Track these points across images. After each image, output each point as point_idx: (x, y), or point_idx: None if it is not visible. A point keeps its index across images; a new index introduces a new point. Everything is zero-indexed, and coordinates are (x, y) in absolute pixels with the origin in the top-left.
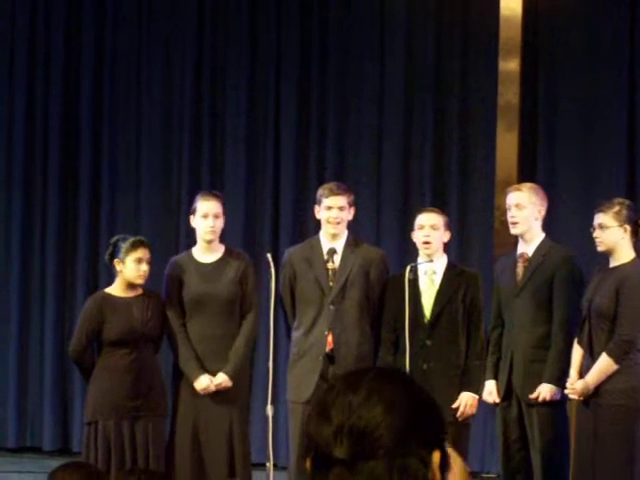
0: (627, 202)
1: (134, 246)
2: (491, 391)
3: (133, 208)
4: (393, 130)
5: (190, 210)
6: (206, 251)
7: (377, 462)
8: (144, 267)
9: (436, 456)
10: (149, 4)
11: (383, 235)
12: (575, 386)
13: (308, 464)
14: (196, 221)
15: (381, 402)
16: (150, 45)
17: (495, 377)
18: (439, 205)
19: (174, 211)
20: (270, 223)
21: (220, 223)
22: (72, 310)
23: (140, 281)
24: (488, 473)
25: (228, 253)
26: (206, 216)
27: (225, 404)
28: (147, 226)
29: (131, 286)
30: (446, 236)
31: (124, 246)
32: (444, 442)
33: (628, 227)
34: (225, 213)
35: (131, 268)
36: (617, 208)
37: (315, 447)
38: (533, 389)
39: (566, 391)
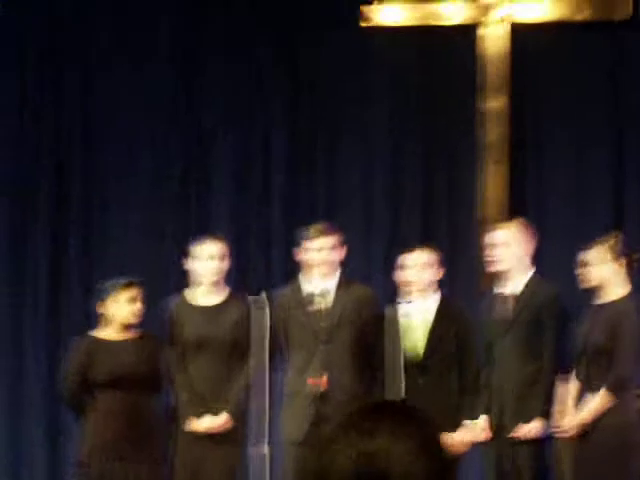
0: (620, 236)
1: (127, 286)
2: (482, 427)
3: (121, 251)
4: (381, 166)
5: (187, 252)
6: (210, 292)
7: None
8: (138, 305)
9: None
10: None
11: (373, 273)
12: (567, 423)
13: None
14: (196, 264)
15: (402, 447)
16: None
17: (485, 413)
18: (428, 241)
19: (162, 253)
20: (262, 264)
21: (226, 264)
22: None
23: (135, 320)
24: None
25: (231, 296)
26: (212, 257)
27: (224, 446)
28: (134, 269)
29: (125, 327)
30: (436, 274)
31: (111, 288)
32: (447, 474)
33: (622, 261)
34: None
35: (124, 309)
36: (612, 242)
37: None
38: (521, 427)
39: (555, 430)
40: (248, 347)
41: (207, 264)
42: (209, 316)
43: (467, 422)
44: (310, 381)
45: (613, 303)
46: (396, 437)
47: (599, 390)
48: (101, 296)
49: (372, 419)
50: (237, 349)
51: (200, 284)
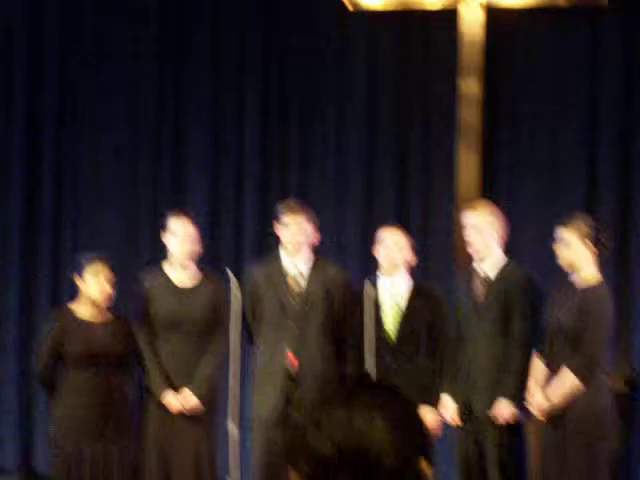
0: (590, 218)
1: (93, 261)
2: (448, 407)
3: (96, 222)
4: (356, 148)
5: (162, 226)
6: (182, 272)
7: None
8: (103, 282)
9: (423, 464)
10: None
11: (346, 251)
12: (542, 406)
13: (295, 476)
14: (170, 240)
15: (382, 422)
16: (112, 66)
17: (454, 396)
18: (401, 222)
19: (136, 228)
20: (232, 239)
21: (199, 246)
22: (35, 329)
23: (101, 299)
24: None
25: (204, 275)
26: (185, 239)
27: (193, 425)
28: (110, 240)
29: (96, 304)
30: (410, 257)
31: (84, 262)
32: (426, 448)
33: (590, 243)
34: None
35: (91, 284)
36: (580, 224)
37: (313, 464)
38: (491, 408)
39: (531, 408)
40: (219, 326)
41: (181, 244)
42: (182, 296)
43: (438, 402)
44: (289, 355)
45: (583, 287)
46: (375, 413)
47: (567, 373)
48: (76, 269)
49: (351, 394)
50: (209, 329)
51: (174, 260)
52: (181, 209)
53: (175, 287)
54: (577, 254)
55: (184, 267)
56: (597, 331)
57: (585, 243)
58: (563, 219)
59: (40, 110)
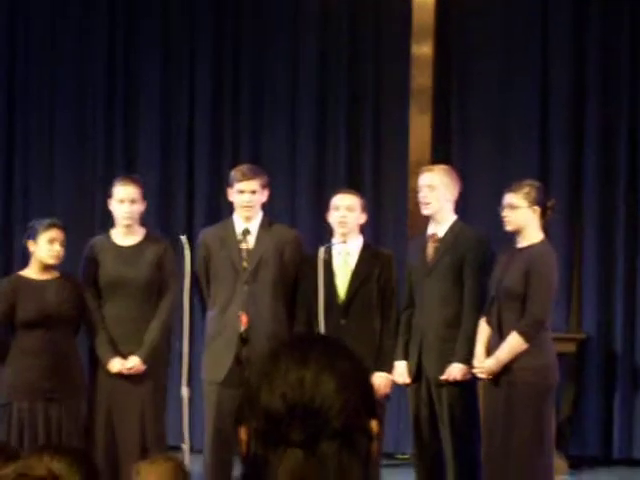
0: (537, 184)
1: (47, 227)
2: (401, 372)
3: (48, 191)
4: (307, 113)
5: (108, 193)
6: (125, 234)
7: (330, 442)
8: (57, 247)
9: (374, 424)
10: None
11: (298, 216)
12: (484, 364)
13: (244, 433)
14: (113, 205)
15: (333, 379)
16: (64, 38)
17: (406, 357)
18: (354, 187)
19: (89, 194)
20: (184, 205)
21: (138, 207)
22: None
23: (52, 261)
24: (403, 454)
25: (148, 237)
26: (122, 201)
27: (138, 386)
28: (62, 209)
29: (45, 268)
30: (362, 218)
31: (38, 228)
32: (376, 409)
33: (537, 208)
34: (145, 197)
35: (44, 248)
36: (527, 189)
37: (263, 420)
38: (443, 369)
39: (474, 370)
40: (165, 289)
41: (120, 207)
42: (124, 257)
43: (388, 364)
44: (241, 316)
45: (526, 249)
46: (326, 370)
47: (513, 334)
48: (28, 234)
49: (302, 349)
50: (152, 290)
51: (118, 224)
52: (126, 175)
53: (117, 247)
54: (524, 219)
55: (127, 229)
56: (541, 289)
57: (532, 208)
58: (510, 185)
59: None
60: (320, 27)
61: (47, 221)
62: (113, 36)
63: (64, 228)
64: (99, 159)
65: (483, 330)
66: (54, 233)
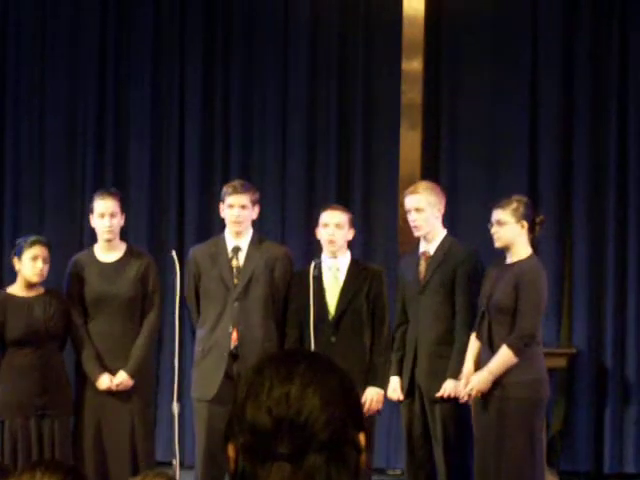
0: (525, 199)
1: (30, 245)
2: (395, 388)
3: (37, 209)
4: (297, 128)
5: (89, 209)
6: (107, 250)
7: (317, 455)
8: (39, 265)
9: (362, 438)
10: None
11: (288, 232)
12: (475, 378)
13: (232, 450)
14: (94, 221)
15: (318, 392)
16: (54, 44)
17: (399, 373)
18: (343, 203)
19: (77, 211)
20: (175, 221)
21: (118, 222)
22: None
23: (36, 279)
24: (394, 470)
25: (129, 252)
26: (102, 215)
27: (127, 402)
28: (50, 226)
29: (31, 285)
30: (350, 234)
31: (23, 245)
32: (364, 422)
33: (525, 224)
34: (123, 211)
35: (28, 266)
36: (515, 205)
37: (250, 435)
38: (436, 385)
39: (462, 383)
40: (149, 303)
41: (100, 221)
42: (106, 274)
43: (380, 379)
44: (232, 332)
45: (515, 264)
46: (312, 385)
47: (503, 348)
48: (15, 252)
49: (287, 364)
50: (136, 306)
51: (100, 239)
52: (104, 189)
53: (99, 263)
54: (513, 235)
55: (109, 244)
56: (530, 303)
57: (520, 223)
58: (498, 201)
59: None
60: (310, 43)
61: (31, 238)
62: (103, 61)
63: (48, 245)
64: (88, 175)
65: (473, 345)
66: (37, 250)
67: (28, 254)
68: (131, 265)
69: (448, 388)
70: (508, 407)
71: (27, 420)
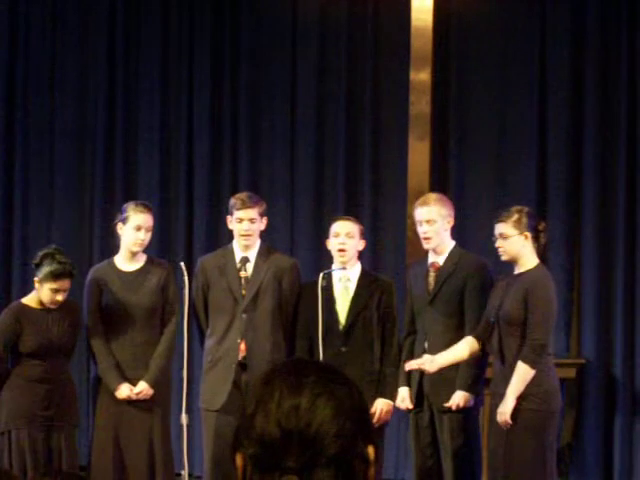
0: (526, 209)
1: (54, 278)
2: (404, 398)
3: (46, 207)
4: (306, 139)
5: (118, 217)
6: (129, 260)
7: (326, 470)
8: (59, 297)
9: (371, 450)
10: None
11: (297, 242)
12: (501, 407)
13: (240, 459)
14: (126, 231)
15: (328, 405)
16: (63, 50)
17: (408, 384)
18: (352, 214)
19: (87, 220)
20: (183, 232)
21: (149, 236)
22: None
23: (52, 306)
24: None
25: (150, 261)
26: (139, 228)
27: (146, 412)
28: (60, 235)
29: (132, 254)
30: (361, 245)
31: (45, 270)
32: (373, 435)
33: (529, 234)
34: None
35: (46, 294)
36: (516, 217)
37: (259, 447)
38: (445, 395)
39: (425, 358)
40: (168, 313)
41: (135, 233)
42: (128, 283)
43: (389, 391)
44: (240, 344)
45: (523, 274)
46: (321, 394)
47: (511, 360)
48: (36, 272)
49: (296, 375)
50: (156, 315)
51: (126, 249)
52: (141, 201)
53: (120, 272)
54: (518, 247)
55: (132, 255)
56: (540, 313)
57: (524, 234)
58: (500, 214)
59: None
60: (318, 54)
61: (55, 267)
62: (113, 75)
63: (71, 275)
64: (97, 186)
65: (465, 344)
66: (59, 284)
67: (49, 285)
68: (152, 274)
69: (457, 399)
70: (519, 418)
71: (36, 431)
